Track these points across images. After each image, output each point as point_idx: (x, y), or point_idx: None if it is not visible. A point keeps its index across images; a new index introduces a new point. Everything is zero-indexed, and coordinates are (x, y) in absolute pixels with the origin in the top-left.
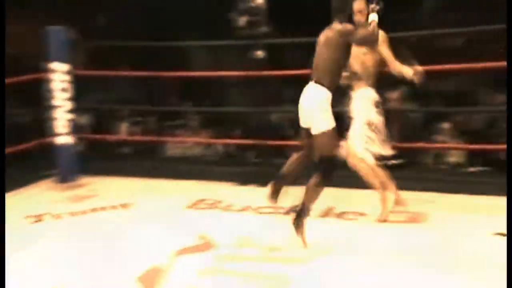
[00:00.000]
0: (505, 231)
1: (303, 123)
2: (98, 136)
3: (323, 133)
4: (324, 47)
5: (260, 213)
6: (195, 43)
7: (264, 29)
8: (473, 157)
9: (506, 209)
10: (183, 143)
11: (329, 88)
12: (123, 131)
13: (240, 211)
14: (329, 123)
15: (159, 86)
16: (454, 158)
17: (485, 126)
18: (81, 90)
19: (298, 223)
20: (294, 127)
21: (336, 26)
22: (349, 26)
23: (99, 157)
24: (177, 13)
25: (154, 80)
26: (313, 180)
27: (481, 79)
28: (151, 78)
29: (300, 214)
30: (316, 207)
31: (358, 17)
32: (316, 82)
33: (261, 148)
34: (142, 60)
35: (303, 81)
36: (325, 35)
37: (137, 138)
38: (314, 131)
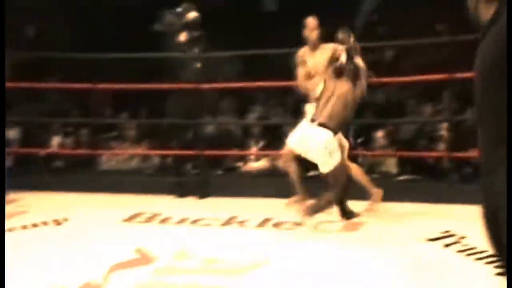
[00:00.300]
0: (436, 236)
1: (308, 156)
2: (27, 150)
3: (333, 170)
4: (340, 101)
5: (198, 225)
6: (128, 56)
7: (203, 44)
8: (404, 166)
9: (506, 210)
10: (119, 155)
11: (334, 130)
12: (55, 144)
13: (178, 223)
14: (335, 160)
15: (93, 97)
16: (387, 167)
17: (414, 136)
18: (10, 102)
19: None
20: (229, 137)
21: (349, 84)
22: (362, 87)
23: (29, 171)
24: (110, 23)
25: (87, 91)
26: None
27: (410, 90)
28: (84, 89)
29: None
30: (253, 217)
31: (312, 34)
32: (324, 126)
33: (198, 159)
34: (76, 71)
35: (238, 93)
36: (341, 89)
37: (70, 151)
38: (324, 170)
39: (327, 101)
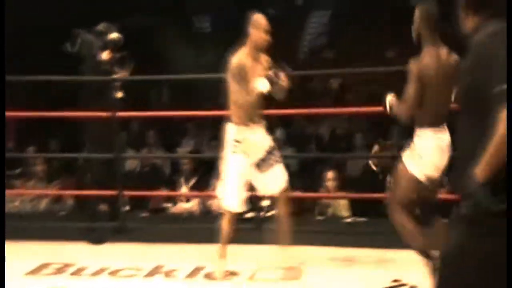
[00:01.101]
0: (385, 285)
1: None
2: None
3: None
4: (448, 82)
5: (118, 276)
6: (35, 79)
7: (126, 66)
8: (354, 207)
9: (506, 213)
10: (23, 195)
11: None
12: None
13: (94, 275)
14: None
15: None
16: (335, 209)
17: (362, 173)
18: None
19: None
20: (156, 174)
21: (452, 55)
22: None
23: None
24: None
25: None
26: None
27: (356, 124)
28: None
29: None
30: (182, 267)
31: (267, 36)
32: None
33: (118, 199)
34: None
35: (168, 123)
36: (449, 65)
37: None
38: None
39: (442, 93)
